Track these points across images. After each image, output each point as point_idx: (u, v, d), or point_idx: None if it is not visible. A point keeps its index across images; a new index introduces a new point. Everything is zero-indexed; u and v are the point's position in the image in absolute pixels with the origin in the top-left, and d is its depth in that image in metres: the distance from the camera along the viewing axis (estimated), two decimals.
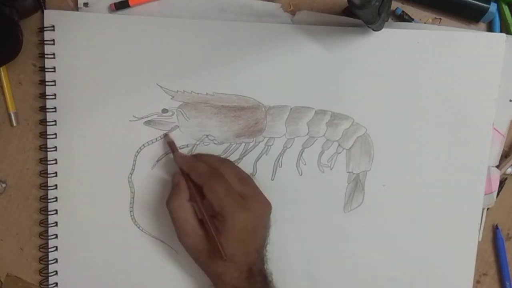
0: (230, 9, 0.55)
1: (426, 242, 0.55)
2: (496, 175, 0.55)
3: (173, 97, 0.55)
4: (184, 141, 0.55)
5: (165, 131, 0.55)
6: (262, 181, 0.55)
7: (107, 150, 0.56)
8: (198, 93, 0.55)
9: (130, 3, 0.54)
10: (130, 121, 0.55)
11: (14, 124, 0.57)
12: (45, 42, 0.55)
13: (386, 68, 0.54)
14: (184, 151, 0.55)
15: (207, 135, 0.56)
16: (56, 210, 0.57)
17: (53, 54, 0.55)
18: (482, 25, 0.55)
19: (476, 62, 0.53)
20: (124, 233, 0.57)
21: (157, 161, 0.56)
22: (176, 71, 0.55)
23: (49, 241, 0.57)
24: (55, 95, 0.55)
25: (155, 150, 0.56)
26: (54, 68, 0.55)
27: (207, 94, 0.55)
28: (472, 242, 0.55)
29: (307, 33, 0.54)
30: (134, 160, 0.56)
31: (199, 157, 0.53)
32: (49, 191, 0.56)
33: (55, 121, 0.56)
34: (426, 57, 0.53)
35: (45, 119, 0.56)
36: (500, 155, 0.55)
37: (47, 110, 0.55)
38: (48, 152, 0.56)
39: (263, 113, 0.55)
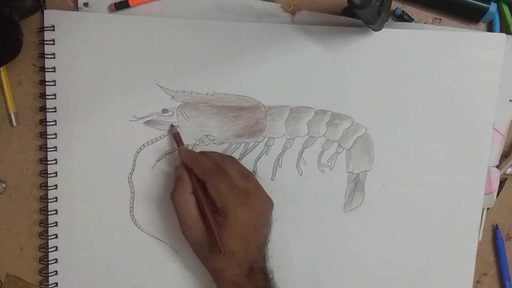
0: (230, 9, 0.55)
1: (426, 242, 0.55)
2: (496, 175, 0.55)
3: (173, 97, 0.55)
4: (184, 141, 0.55)
5: (165, 131, 0.55)
6: (262, 181, 0.55)
7: (107, 150, 0.56)
8: (198, 93, 0.55)
9: (130, 3, 0.54)
10: (130, 121, 0.55)
11: (14, 124, 0.57)
12: (45, 42, 0.55)
13: (386, 68, 0.54)
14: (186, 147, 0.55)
15: (207, 135, 0.56)
16: (56, 210, 0.57)
17: (53, 54, 0.55)
18: (482, 25, 0.55)
19: (476, 62, 0.53)
20: (124, 233, 0.57)
21: (157, 161, 0.56)
22: (176, 71, 0.55)
23: (49, 241, 0.57)
24: (55, 95, 0.55)
25: (155, 150, 0.56)
26: (54, 68, 0.55)
27: (207, 94, 0.55)
28: (472, 242, 0.55)
29: (307, 33, 0.54)
30: (134, 160, 0.56)
31: (202, 153, 0.53)
32: (49, 191, 0.56)
33: (55, 121, 0.56)
34: (426, 57, 0.53)
35: (45, 119, 0.56)
36: (500, 155, 0.55)
37: (47, 110, 0.55)
38: (48, 152, 0.56)
39: (263, 113, 0.55)
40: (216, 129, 0.55)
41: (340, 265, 0.56)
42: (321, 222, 0.56)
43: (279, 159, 0.56)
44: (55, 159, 0.56)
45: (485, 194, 0.55)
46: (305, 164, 0.55)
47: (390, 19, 0.55)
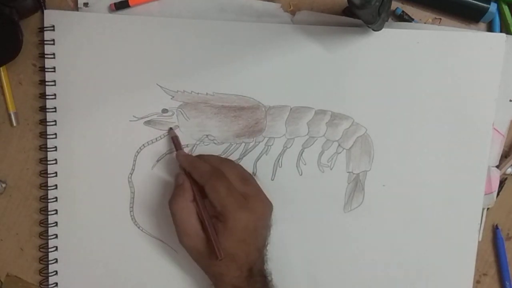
0: (230, 9, 0.55)
1: (426, 242, 0.55)
2: (496, 175, 0.55)
3: (173, 97, 0.55)
4: (184, 141, 0.55)
5: (165, 131, 0.55)
6: (262, 181, 0.55)
7: (107, 150, 0.56)
8: (198, 93, 0.55)
9: (130, 3, 0.54)
10: (130, 121, 0.55)
11: (14, 124, 0.57)
12: (45, 42, 0.55)
13: (386, 68, 0.54)
14: (184, 151, 0.55)
15: (207, 135, 0.56)
16: (56, 210, 0.57)
17: (53, 54, 0.55)
18: (482, 25, 0.55)
19: (476, 62, 0.53)
20: (124, 233, 0.57)
21: (157, 161, 0.56)
22: (176, 71, 0.55)
23: (49, 241, 0.57)
24: (55, 95, 0.55)
25: (155, 150, 0.56)
26: (54, 68, 0.55)
27: (207, 94, 0.55)
28: (472, 242, 0.55)
29: (307, 33, 0.54)
30: (134, 160, 0.56)
31: (200, 157, 0.53)
32: (49, 191, 0.56)
33: (55, 121, 0.56)
34: (426, 57, 0.53)
35: (45, 119, 0.56)
36: (500, 155, 0.55)
37: (47, 110, 0.55)
38: (48, 152, 0.56)
39: (263, 113, 0.55)
40: (216, 129, 0.55)
41: (340, 265, 0.56)
42: (321, 222, 0.56)
43: (279, 159, 0.56)
44: (55, 159, 0.56)
45: (485, 194, 0.55)
46: (305, 164, 0.55)
47: (390, 19, 0.54)
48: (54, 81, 0.55)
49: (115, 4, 0.55)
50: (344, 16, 0.54)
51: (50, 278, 0.57)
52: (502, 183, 0.56)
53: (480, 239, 0.56)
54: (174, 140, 0.54)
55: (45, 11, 0.55)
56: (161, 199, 0.56)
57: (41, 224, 0.57)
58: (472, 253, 0.55)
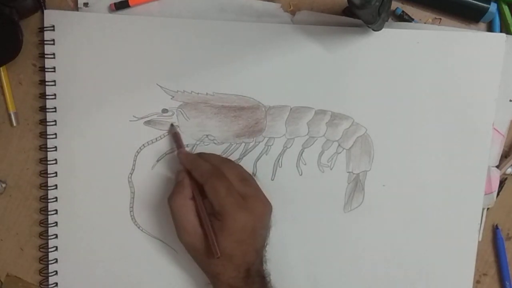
0: (230, 9, 0.55)
1: (426, 242, 0.55)
2: (496, 175, 0.55)
3: (173, 97, 0.55)
4: (184, 141, 0.55)
5: (165, 131, 0.55)
6: (262, 181, 0.55)
7: (107, 150, 0.56)
8: (198, 93, 0.55)
9: (130, 3, 0.54)
10: (130, 121, 0.55)
11: (14, 124, 0.57)
12: (45, 42, 0.55)
13: (386, 68, 0.54)
14: (185, 149, 0.55)
15: (207, 135, 0.56)
16: (56, 210, 0.57)
17: (53, 54, 0.55)
18: (482, 25, 0.55)
19: (476, 62, 0.53)
20: (124, 233, 0.57)
21: (157, 161, 0.56)
22: (176, 71, 0.55)
23: (49, 241, 0.57)
24: (55, 95, 0.55)
25: (155, 150, 0.56)
26: (54, 68, 0.55)
27: (207, 94, 0.55)
28: (472, 242, 0.55)
29: (307, 33, 0.54)
30: (134, 160, 0.56)
31: (201, 156, 0.53)
32: (49, 191, 0.56)
33: (55, 121, 0.56)
34: (426, 57, 0.53)
35: (45, 119, 0.56)
36: (500, 155, 0.55)
37: (47, 110, 0.55)
38: (48, 152, 0.56)
39: (263, 113, 0.55)
40: (216, 129, 0.55)
41: (340, 265, 0.56)
42: (321, 222, 0.56)
43: (279, 159, 0.56)
44: (55, 159, 0.56)
45: (485, 194, 0.55)
46: (305, 164, 0.55)
47: (390, 19, 0.54)
48: (54, 81, 0.55)
49: (115, 4, 0.55)
50: (344, 16, 0.54)
51: (50, 278, 0.57)
52: (502, 183, 0.56)
53: (480, 239, 0.56)
54: (175, 137, 0.54)
55: (45, 11, 0.55)
56: (161, 199, 0.56)
57: (41, 224, 0.57)
58: (472, 253, 0.55)
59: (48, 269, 0.57)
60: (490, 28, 0.55)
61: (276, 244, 0.55)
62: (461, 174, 0.54)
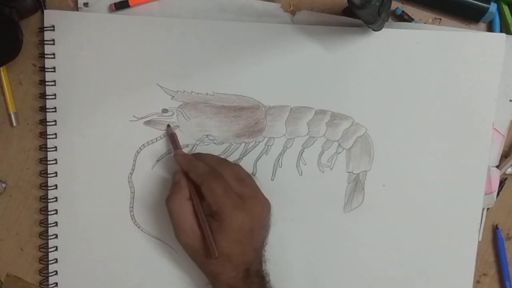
0: (230, 9, 0.55)
1: (426, 242, 0.55)
2: (496, 175, 0.55)
3: (173, 97, 0.55)
4: (184, 141, 0.55)
5: (165, 131, 0.55)
6: (262, 181, 0.55)
7: (107, 150, 0.56)
8: (198, 93, 0.55)
9: (130, 3, 0.54)
10: (130, 121, 0.55)
11: (14, 124, 0.57)
12: (45, 42, 0.55)
13: (386, 68, 0.54)
14: (184, 151, 0.55)
15: (207, 135, 0.56)
16: (56, 210, 0.57)
17: (53, 54, 0.55)
18: (482, 25, 0.55)
19: (476, 62, 0.53)
20: (124, 233, 0.57)
21: (157, 161, 0.56)
22: (176, 71, 0.55)
23: (49, 241, 0.57)
24: (55, 95, 0.55)
25: (155, 150, 0.56)
26: (54, 68, 0.55)
27: (207, 94, 0.55)
28: (472, 242, 0.55)
29: (307, 33, 0.54)
30: (134, 160, 0.56)
31: (198, 156, 0.53)
32: (49, 191, 0.56)
33: (55, 121, 0.56)
34: (426, 57, 0.53)
35: (45, 119, 0.56)
36: (500, 155, 0.55)
37: (47, 110, 0.55)
38: (48, 152, 0.56)
39: (263, 113, 0.55)
40: (216, 129, 0.55)
41: (340, 265, 0.56)
42: (321, 222, 0.56)
43: (279, 159, 0.56)
44: (55, 159, 0.56)
45: (485, 194, 0.55)
46: (305, 164, 0.55)
47: (390, 19, 0.54)
48: (54, 81, 0.55)
49: (115, 4, 0.55)
50: (344, 16, 0.54)
51: (50, 278, 0.57)
52: (502, 183, 0.56)
53: (480, 239, 0.56)
54: (171, 138, 0.54)
55: (45, 11, 0.55)
56: (161, 199, 0.56)
57: (41, 224, 0.57)
58: (472, 253, 0.55)
59: (48, 269, 0.57)
60: (490, 28, 0.55)
61: (275, 244, 0.55)
62: (461, 174, 0.54)
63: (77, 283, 0.58)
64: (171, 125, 0.55)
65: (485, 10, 0.53)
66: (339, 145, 0.55)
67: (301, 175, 0.56)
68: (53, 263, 0.57)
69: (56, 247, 0.57)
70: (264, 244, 0.52)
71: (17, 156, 0.57)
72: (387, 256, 0.56)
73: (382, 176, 0.55)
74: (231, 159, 0.55)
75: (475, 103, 0.54)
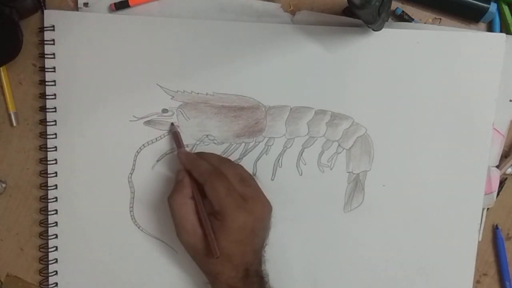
0: (230, 9, 0.55)
1: (426, 242, 0.55)
2: (496, 175, 0.55)
3: (173, 97, 0.55)
4: (184, 141, 0.55)
5: (165, 131, 0.55)
6: (262, 181, 0.55)
7: (107, 150, 0.56)
8: (198, 93, 0.55)
9: (130, 3, 0.54)
10: (130, 121, 0.55)
11: (14, 124, 0.57)
12: (45, 42, 0.55)
13: (386, 68, 0.54)
14: (185, 148, 0.55)
15: (207, 135, 0.56)
16: (56, 210, 0.57)
17: (53, 54, 0.55)
18: (482, 25, 0.55)
19: (476, 62, 0.53)
20: (124, 233, 0.57)
21: (157, 161, 0.56)
22: (176, 71, 0.55)
23: (49, 241, 0.57)
24: (55, 95, 0.55)
25: (155, 150, 0.56)
26: (54, 68, 0.55)
27: (207, 94, 0.55)
28: (472, 242, 0.55)
29: (307, 33, 0.54)
30: (134, 160, 0.56)
31: (201, 155, 0.53)
32: (49, 191, 0.56)
33: (55, 121, 0.56)
34: (426, 57, 0.53)
35: (45, 119, 0.56)
36: (500, 155, 0.55)
37: (47, 110, 0.55)
38: (48, 152, 0.56)
39: (263, 113, 0.55)
40: (216, 129, 0.55)
41: (340, 265, 0.56)
42: (321, 222, 0.56)
43: (279, 159, 0.56)
44: (55, 159, 0.56)
45: (485, 194, 0.55)
46: (305, 164, 0.55)
47: (390, 19, 0.55)
48: (54, 81, 0.55)
49: (115, 4, 0.55)
50: (344, 16, 0.54)
51: (50, 278, 0.57)
52: (502, 183, 0.56)
53: (480, 239, 0.56)
54: (175, 137, 0.54)
55: (45, 11, 0.55)
56: (161, 199, 0.56)
57: (41, 224, 0.57)
58: (472, 253, 0.55)
59: (48, 269, 0.57)
60: (490, 28, 0.55)
61: (275, 244, 0.55)
62: (461, 174, 0.54)
63: (77, 283, 0.58)
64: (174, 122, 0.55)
65: (485, 10, 0.53)
66: (339, 145, 0.55)
67: (301, 175, 0.56)
68: (53, 263, 0.57)
69: (56, 247, 0.57)
70: (264, 245, 0.52)
71: (17, 156, 0.57)
72: (387, 256, 0.56)
73: (382, 176, 0.55)
74: (231, 159, 0.55)
75: (475, 103, 0.54)
